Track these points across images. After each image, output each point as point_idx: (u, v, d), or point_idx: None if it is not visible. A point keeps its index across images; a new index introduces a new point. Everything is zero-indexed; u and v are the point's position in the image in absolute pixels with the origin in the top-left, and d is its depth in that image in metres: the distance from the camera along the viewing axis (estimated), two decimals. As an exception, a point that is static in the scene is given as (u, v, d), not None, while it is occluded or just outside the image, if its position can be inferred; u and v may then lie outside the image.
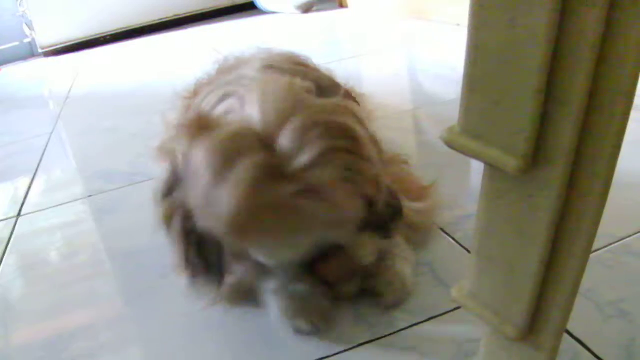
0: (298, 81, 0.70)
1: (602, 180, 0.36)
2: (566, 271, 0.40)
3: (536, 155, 0.37)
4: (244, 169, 0.58)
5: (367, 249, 0.72)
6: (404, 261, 0.76)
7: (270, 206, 0.59)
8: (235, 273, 0.75)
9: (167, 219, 0.69)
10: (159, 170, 1.11)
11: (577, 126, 0.35)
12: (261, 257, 0.69)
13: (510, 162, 0.37)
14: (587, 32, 0.32)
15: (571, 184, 0.37)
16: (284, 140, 0.60)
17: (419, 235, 0.83)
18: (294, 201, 0.59)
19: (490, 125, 0.38)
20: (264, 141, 0.60)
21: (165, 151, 0.71)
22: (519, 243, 0.41)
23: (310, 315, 0.70)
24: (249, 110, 0.64)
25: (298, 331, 0.70)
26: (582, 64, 0.33)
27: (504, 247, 0.42)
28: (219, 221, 0.60)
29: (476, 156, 0.39)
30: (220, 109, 0.69)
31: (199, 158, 0.60)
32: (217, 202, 0.59)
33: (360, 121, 0.68)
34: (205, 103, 0.75)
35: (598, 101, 0.34)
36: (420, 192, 0.86)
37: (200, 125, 0.63)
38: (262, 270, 0.73)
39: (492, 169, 0.40)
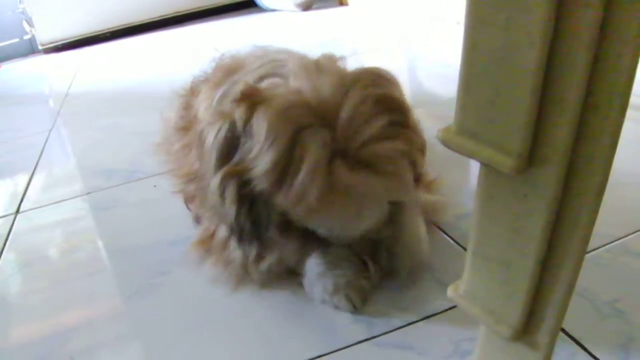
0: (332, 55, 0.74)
1: (598, 180, 0.36)
2: (562, 271, 0.40)
3: (532, 155, 0.37)
4: (314, 149, 0.61)
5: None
6: (418, 227, 0.79)
7: (341, 186, 0.62)
8: (275, 253, 0.77)
9: (224, 183, 0.68)
10: (159, 165, 1.13)
11: (573, 126, 0.35)
12: (329, 231, 0.72)
13: (506, 162, 0.37)
14: (582, 32, 0.32)
15: (567, 183, 0.37)
16: (345, 115, 0.62)
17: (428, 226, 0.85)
18: (363, 180, 0.62)
19: (486, 125, 0.38)
20: (322, 113, 0.63)
21: (217, 115, 0.71)
22: (515, 243, 0.41)
23: (350, 294, 0.73)
24: (296, 83, 0.67)
25: (338, 308, 0.73)
26: (578, 63, 0.33)
27: (499, 247, 0.42)
28: (290, 198, 0.63)
29: (472, 156, 0.39)
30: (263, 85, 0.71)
31: (264, 126, 0.63)
32: (288, 178, 0.62)
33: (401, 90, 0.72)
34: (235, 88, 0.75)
35: (594, 101, 0.34)
36: (429, 185, 0.88)
37: (256, 95, 0.66)
38: (305, 250, 0.76)
39: (488, 169, 0.40)
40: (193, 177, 0.92)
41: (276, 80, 0.71)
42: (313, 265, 0.76)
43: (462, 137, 0.39)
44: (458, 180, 1.01)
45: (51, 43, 3.04)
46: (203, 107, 0.90)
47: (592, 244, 0.78)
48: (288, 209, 0.66)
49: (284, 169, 0.62)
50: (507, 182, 0.39)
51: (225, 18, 3.19)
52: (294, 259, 0.78)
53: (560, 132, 0.35)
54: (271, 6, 3.18)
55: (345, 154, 0.62)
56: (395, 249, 0.76)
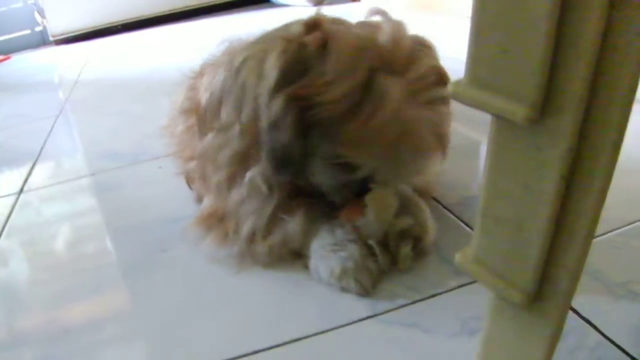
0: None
1: (615, 130, 0.34)
2: (576, 231, 0.38)
3: (546, 104, 0.35)
4: (394, 91, 0.64)
5: (387, 203, 0.73)
6: (424, 210, 0.78)
7: (412, 124, 0.66)
8: (279, 232, 0.76)
9: (288, 104, 0.67)
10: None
11: (589, 71, 0.33)
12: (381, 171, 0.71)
13: (519, 112, 0.35)
14: (601, -32, 0.30)
15: (582, 135, 0.35)
16: (412, 67, 0.67)
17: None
18: (428, 116, 0.67)
19: (498, 74, 0.36)
20: (391, 60, 0.67)
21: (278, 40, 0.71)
22: (527, 201, 0.39)
23: (359, 276, 0.71)
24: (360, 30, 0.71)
25: (346, 291, 0.71)
26: (594, 4, 0.31)
27: (511, 206, 0.40)
28: (366, 130, 0.65)
29: (483, 107, 0.37)
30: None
31: (342, 55, 0.65)
32: (364, 110, 0.64)
33: None
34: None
35: (611, 44, 0.32)
36: None
37: (326, 25, 0.70)
38: (310, 231, 0.75)
39: (500, 121, 0.38)
40: (196, 157, 0.90)
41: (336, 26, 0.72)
42: (318, 246, 0.74)
43: (473, 88, 0.38)
44: (466, 164, 0.99)
45: (62, 35, 3.04)
46: (204, 87, 0.89)
47: (605, 227, 0.76)
48: (347, 142, 0.67)
49: (360, 100, 0.64)
50: (520, 134, 0.37)
51: (236, 13, 3.18)
52: (298, 239, 0.76)
53: (576, 78, 0.33)
54: (283, 1, 3.17)
55: (412, 96, 0.66)
56: (404, 232, 0.74)
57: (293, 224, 0.75)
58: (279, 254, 0.77)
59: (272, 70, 0.67)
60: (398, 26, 0.71)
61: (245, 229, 0.76)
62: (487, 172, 0.41)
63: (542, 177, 0.37)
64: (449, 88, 0.40)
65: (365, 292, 0.70)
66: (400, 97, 0.64)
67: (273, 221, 0.76)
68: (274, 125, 0.68)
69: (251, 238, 0.77)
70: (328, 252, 0.72)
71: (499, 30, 0.35)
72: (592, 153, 0.35)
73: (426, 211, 0.78)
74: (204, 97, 0.87)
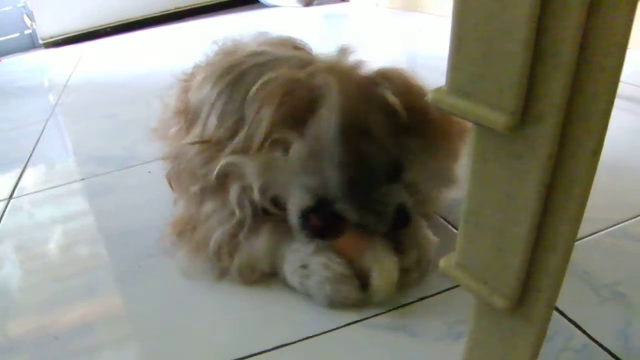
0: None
1: (595, 138, 0.34)
2: (558, 237, 0.38)
3: (526, 112, 0.35)
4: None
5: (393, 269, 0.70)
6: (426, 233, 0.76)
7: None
8: (244, 253, 0.74)
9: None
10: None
11: (568, 80, 0.33)
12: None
13: (499, 120, 0.35)
14: (578, -22, 0.31)
15: (563, 142, 0.35)
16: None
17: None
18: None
19: (479, 83, 0.36)
20: None
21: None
22: (509, 209, 0.39)
23: (342, 292, 0.68)
24: None
25: (329, 303, 0.69)
26: (572, 13, 0.32)
27: (493, 213, 0.41)
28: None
29: (464, 116, 0.38)
30: None
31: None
32: None
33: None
34: None
35: (590, 53, 0.33)
36: None
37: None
38: (278, 251, 0.73)
39: (481, 130, 0.38)
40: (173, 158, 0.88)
41: None
42: (291, 274, 0.72)
43: (454, 96, 0.38)
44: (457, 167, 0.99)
45: (52, 38, 3.02)
46: (194, 88, 0.89)
47: (592, 228, 0.77)
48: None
49: None
50: (501, 142, 0.37)
51: (226, 14, 3.17)
52: (266, 262, 0.74)
53: (555, 87, 0.34)
54: (273, 2, 3.16)
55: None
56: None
57: (258, 245, 0.73)
58: (250, 278, 0.75)
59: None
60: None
61: (212, 243, 0.74)
62: (469, 180, 0.41)
63: (523, 185, 0.37)
64: (430, 95, 0.40)
65: (355, 302, 0.68)
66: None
67: (236, 237, 0.74)
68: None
69: (218, 254, 0.75)
70: (303, 278, 0.70)
71: (479, 38, 0.35)
72: (572, 161, 0.36)
73: (430, 246, 0.74)
74: (193, 98, 0.87)
